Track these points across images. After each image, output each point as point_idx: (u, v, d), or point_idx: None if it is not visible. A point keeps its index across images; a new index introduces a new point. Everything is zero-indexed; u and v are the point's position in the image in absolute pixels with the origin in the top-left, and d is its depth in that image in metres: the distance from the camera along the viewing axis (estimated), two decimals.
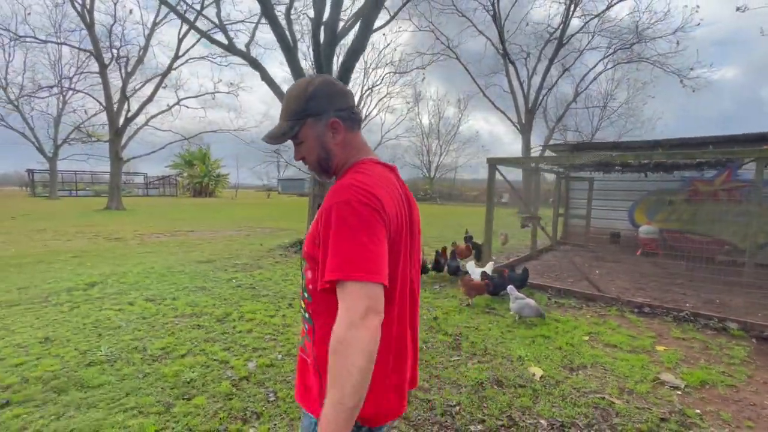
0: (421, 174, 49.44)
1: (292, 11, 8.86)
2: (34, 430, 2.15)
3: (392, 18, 7.01)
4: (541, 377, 2.86)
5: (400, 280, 0.93)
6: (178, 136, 21.63)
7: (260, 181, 58.21)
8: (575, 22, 19.80)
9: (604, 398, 2.58)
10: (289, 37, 8.17)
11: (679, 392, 2.71)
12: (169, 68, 18.37)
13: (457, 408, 2.45)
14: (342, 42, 8.54)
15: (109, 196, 18.23)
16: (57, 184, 31.47)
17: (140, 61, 18.88)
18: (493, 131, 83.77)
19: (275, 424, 2.25)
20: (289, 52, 8.07)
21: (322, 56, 7.34)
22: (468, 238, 8.56)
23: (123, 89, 18.06)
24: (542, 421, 2.33)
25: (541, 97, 19.73)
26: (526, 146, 20.03)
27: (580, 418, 2.37)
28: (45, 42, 17.28)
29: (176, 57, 18.21)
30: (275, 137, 0.98)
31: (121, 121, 17.94)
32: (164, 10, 19.15)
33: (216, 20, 9.93)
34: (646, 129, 26.99)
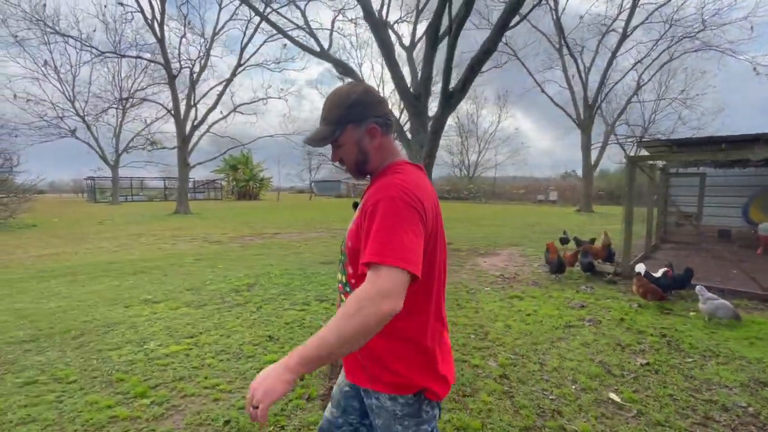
0: (452, 172, 49.22)
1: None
2: None
3: (522, 19, 6.98)
4: None
5: (437, 276, 1.01)
6: (235, 142, 22.34)
7: (292, 183, 59.10)
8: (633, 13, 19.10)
9: None
10: (389, 41, 8.31)
11: None
12: (232, 76, 19.05)
13: (751, 409, 2.42)
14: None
15: (178, 201, 19.03)
16: (122, 190, 33.48)
17: (202, 70, 19.67)
18: (519, 127, 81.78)
19: (588, 419, 2.29)
20: (389, 56, 8.19)
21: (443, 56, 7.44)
22: (565, 240, 8.43)
23: (189, 98, 18.86)
24: None
25: (607, 91, 19.18)
26: (587, 142, 19.51)
27: None
28: (123, 56, 18.28)
29: (238, 65, 18.87)
30: (317, 140, 1.05)
31: (188, 128, 18.73)
32: (222, 20, 19.88)
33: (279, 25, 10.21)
34: (705, 120, 25.57)
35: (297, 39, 9.90)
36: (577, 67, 18.87)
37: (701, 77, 23.40)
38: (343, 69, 9.27)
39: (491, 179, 45.26)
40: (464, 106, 43.06)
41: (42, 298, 4.86)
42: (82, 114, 26.87)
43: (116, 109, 23.39)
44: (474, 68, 6.19)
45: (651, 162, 7.74)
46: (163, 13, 17.43)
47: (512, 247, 8.73)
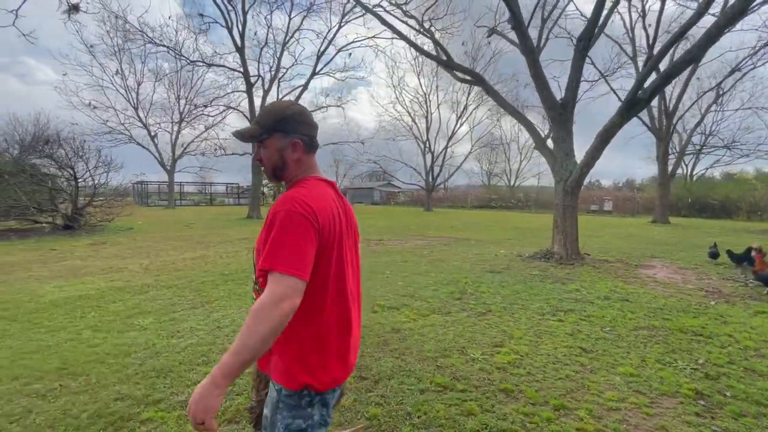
0: (481, 181, 48.68)
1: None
2: None
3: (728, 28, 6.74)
4: None
5: (335, 272, 1.12)
6: None
7: None
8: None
9: None
10: (534, 46, 8.29)
11: None
12: (307, 83, 19.38)
13: None
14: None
15: (251, 206, 19.35)
16: (162, 194, 34.51)
17: (274, 78, 20.09)
18: (528, 138, 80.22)
19: None
20: (535, 65, 8.16)
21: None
22: (715, 254, 8.17)
23: (263, 105, 19.25)
24: None
25: (695, 99, 18.74)
26: (664, 152, 19.04)
27: None
28: (209, 65, 18.85)
29: (314, 73, 19.19)
30: (245, 136, 1.20)
31: None
32: (291, 29, 20.24)
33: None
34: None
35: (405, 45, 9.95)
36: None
37: None
38: (474, 78, 9.28)
39: (528, 187, 44.73)
40: (507, 115, 42.58)
41: None
42: (144, 121, 27.84)
43: (202, 113, 23.80)
44: (670, 76, 6.07)
45: None
46: (244, 23, 17.93)
47: (655, 259, 8.49)
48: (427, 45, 12.66)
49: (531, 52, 8.07)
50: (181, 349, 3.37)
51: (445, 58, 9.62)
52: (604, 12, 7.87)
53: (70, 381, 2.77)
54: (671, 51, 17.89)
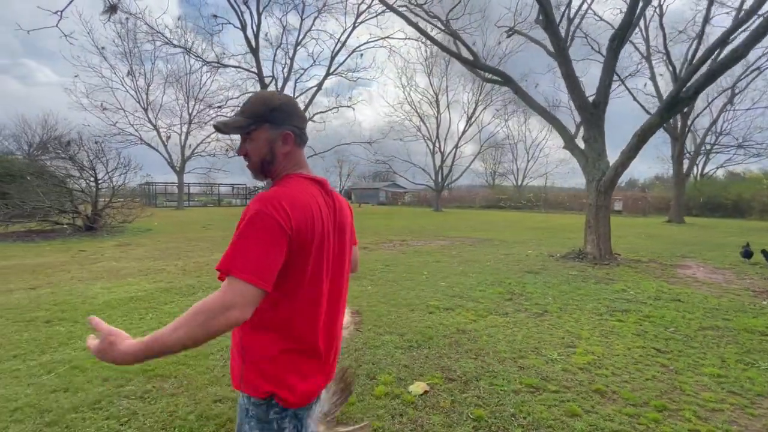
0: (485, 181, 48.58)
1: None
2: None
3: None
4: None
5: (309, 280, 1.01)
6: (311, 150, 22.68)
7: None
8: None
9: None
10: (566, 46, 8.27)
11: None
12: (321, 84, 19.42)
13: None
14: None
15: None
16: (169, 195, 34.62)
17: (287, 80, 20.13)
18: (536, 138, 79.68)
19: None
20: (567, 66, 8.14)
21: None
22: (749, 252, 8.12)
23: None
24: None
25: (711, 99, 18.74)
26: (680, 152, 19.01)
27: None
28: (224, 66, 18.88)
29: (328, 74, 19.22)
30: (229, 128, 1.07)
31: None
32: (302, 31, 20.25)
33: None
34: None
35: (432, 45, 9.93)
36: (674, 75, 18.49)
37: None
38: (502, 78, 9.27)
39: (536, 188, 44.64)
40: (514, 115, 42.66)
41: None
42: (154, 123, 27.93)
43: (218, 113, 23.79)
44: (715, 75, 6.04)
45: None
46: (259, 24, 17.95)
47: (687, 259, 8.47)
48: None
49: (563, 51, 8.05)
50: None
51: (471, 57, 9.61)
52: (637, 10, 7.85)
53: (161, 383, 2.76)
54: (669, 51, 18.02)
